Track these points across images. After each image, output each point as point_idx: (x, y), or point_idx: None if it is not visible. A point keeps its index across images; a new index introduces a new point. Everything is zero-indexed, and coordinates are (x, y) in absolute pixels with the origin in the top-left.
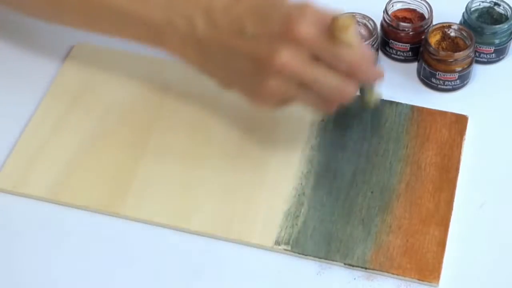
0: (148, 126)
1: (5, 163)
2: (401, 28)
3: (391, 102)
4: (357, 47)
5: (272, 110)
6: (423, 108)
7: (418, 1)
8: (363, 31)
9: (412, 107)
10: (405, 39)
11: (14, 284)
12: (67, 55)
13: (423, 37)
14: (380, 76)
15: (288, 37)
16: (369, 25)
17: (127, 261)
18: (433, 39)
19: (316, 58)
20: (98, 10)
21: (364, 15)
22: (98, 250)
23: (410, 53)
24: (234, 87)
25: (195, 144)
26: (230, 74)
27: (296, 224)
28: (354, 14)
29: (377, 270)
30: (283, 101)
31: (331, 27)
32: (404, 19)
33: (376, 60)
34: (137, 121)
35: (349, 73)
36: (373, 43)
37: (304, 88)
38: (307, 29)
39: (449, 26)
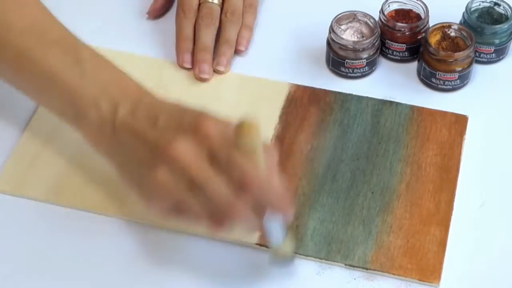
0: None
1: (5, 165)
2: (397, 28)
3: (391, 102)
4: (257, 159)
5: (165, 216)
6: (423, 108)
7: (414, 1)
8: (364, 29)
9: (412, 107)
10: (401, 39)
11: (13, 285)
12: None
13: (419, 37)
14: (285, 208)
15: (192, 132)
16: (370, 23)
17: (127, 262)
18: (433, 39)
19: (213, 160)
20: (30, 69)
21: (364, 13)
22: (98, 251)
23: (406, 53)
24: (131, 181)
25: None
26: (130, 164)
27: (297, 226)
28: (355, 12)
29: (378, 270)
30: (175, 206)
31: (236, 130)
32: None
33: (375, 63)
34: None
35: (241, 184)
36: (374, 41)
37: (193, 191)
38: (213, 128)
39: (449, 26)
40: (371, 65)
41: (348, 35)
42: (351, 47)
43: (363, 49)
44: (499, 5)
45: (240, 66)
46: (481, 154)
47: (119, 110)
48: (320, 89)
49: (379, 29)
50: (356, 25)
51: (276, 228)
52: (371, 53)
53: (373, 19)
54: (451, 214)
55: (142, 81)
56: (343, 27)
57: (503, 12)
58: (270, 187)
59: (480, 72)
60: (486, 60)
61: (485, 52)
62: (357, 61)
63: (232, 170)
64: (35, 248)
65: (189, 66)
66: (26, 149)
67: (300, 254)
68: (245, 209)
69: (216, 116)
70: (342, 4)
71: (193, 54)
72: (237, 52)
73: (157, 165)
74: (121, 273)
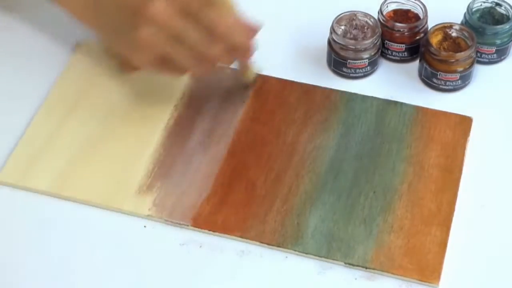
0: (153, 121)
1: (10, 157)
2: (396, 29)
3: (396, 103)
4: (227, 10)
5: (152, 69)
6: (427, 109)
7: (413, 1)
8: (365, 29)
9: (417, 108)
10: (400, 39)
11: (16, 277)
12: (72, 52)
13: (418, 37)
14: (246, 47)
15: None
16: (371, 23)
17: (129, 255)
18: (435, 39)
19: (187, 14)
20: None
21: (365, 13)
22: (100, 245)
23: (405, 53)
24: (118, 43)
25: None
26: (115, 29)
27: (298, 223)
28: (355, 13)
29: (378, 270)
30: (160, 59)
31: None
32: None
33: (377, 63)
34: (141, 116)
35: (210, 30)
36: (376, 41)
37: (175, 42)
38: None
39: (450, 26)
40: (373, 65)
41: (349, 35)
42: (352, 47)
43: (365, 49)
44: (500, 5)
45: None
46: (482, 154)
47: None
48: (325, 88)
49: (379, 28)
50: (356, 25)
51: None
52: (373, 53)
53: (374, 18)
54: (452, 215)
55: (149, 77)
56: (343, 27)
57: (504, 12)
58: (235, 31)
59: (481, 72)
60: (487, 60)
61: (487, 52)
62: (358, 61)
63: (202, 19)
64: (38, 241)
65: None
66: (31, 142)
67: (301, 252)
68: (218, 53)
69: None
70: (342, 4)
71: None
72: None
73: (139, 25)
74: (122, 264)
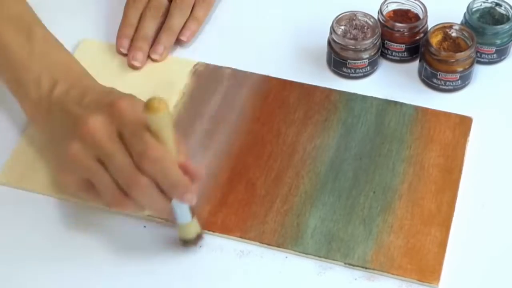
0: None
1: (10, 157)
2: (396, 29)
3: (396, 103)
4: (164, 138)
5: (75, 189)
6: (427, 109)
7: (412, 1)
8: (365, 29)
9: (417, 108)
10: (400, 39)
11: (16, 277)
12: (73, 51)
13: (418, 37)
14: (178, 192)
15: (108, 110)
16: (371, 23)
17: (129, 255)
18: (435, 39)
19: (122, 136)
20: None
21: (365, 13)
22: (100, 245)
23: (405, 53)
24: (54, 155)
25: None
26: (57, 137)
27: (298, 223)
28: (355, 13)
29: (378, 270)
30: (85, 183)
31: (144, 106)
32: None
33: (377, 63)
34: None
35: (139, 158)
36: (376, 41)
37: (99, 165)
38: (126, 106)
39: (450, 26)
40: (373, 65)
41: (349, 35)
42: (352, 47)
43: (365, 49)
44: (500, 5)
45: (242, 66)
46: (482, 154)
47: (56, 88)
48: (325, 88)
49: (379, 28)
50: (356, 25)
51: (179, 208)
52: (373, 53)
53: (374, 18)
54: (452, 215)
55: (151, 75)
56: (343, 27)
57: (504, 12)
58: (168, 167)
59: (481, 72)
60: (487, 60)
61: (487, 52)
62: (358, 61)
63: (135, 144)
64: (37, 240)
65: (125, 51)
66: (31, 142)
67: (300, 253)
68: (145, 184)
69: (137, 99)
70: (342, 4)
71: (132, 41)
72: (179, 42)
73: (72, 139)
74: (122, 264)
